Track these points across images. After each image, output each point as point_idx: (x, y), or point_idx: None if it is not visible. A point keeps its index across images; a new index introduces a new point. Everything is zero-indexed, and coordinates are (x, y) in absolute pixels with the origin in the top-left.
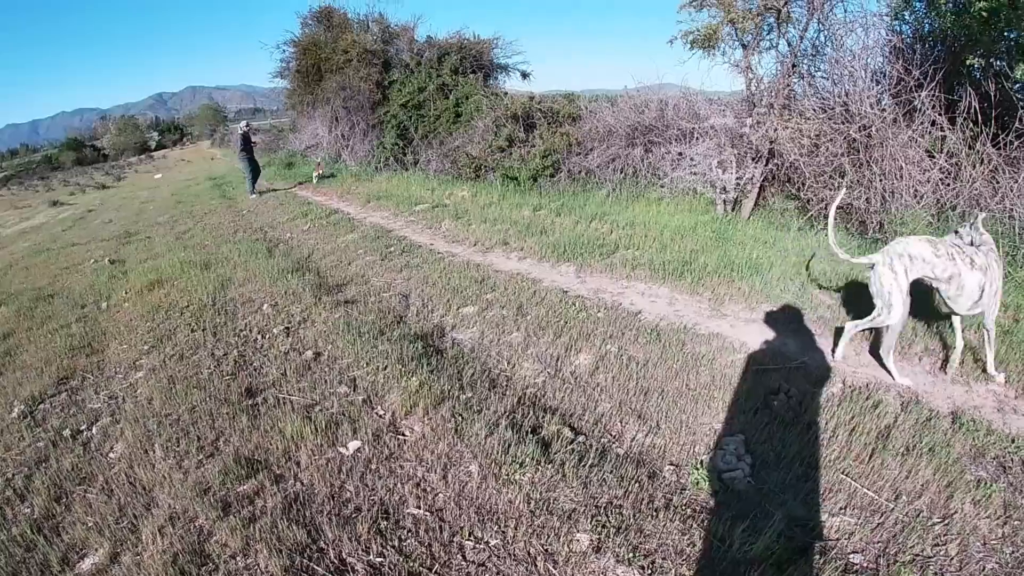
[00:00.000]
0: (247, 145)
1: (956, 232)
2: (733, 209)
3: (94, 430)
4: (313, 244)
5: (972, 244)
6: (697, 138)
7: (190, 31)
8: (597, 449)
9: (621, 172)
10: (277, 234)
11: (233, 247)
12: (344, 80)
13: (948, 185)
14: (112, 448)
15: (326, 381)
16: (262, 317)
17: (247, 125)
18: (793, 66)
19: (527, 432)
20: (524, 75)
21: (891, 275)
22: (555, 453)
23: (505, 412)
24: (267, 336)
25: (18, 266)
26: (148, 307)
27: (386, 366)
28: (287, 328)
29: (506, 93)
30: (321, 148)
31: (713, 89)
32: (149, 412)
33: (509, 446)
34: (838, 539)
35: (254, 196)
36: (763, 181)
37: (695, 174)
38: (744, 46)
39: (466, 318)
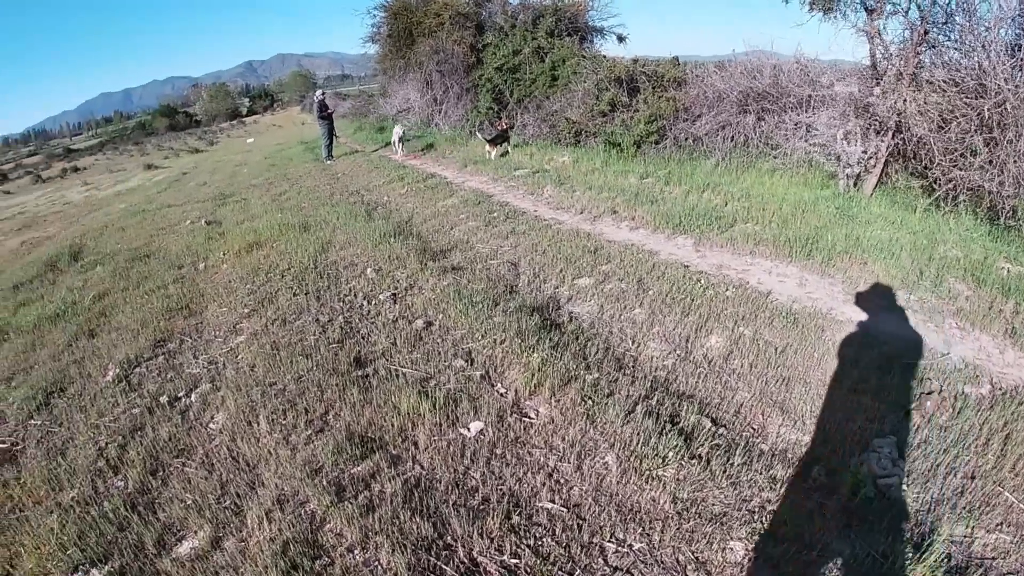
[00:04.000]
0: (323, 112)
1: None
2: (855, 185)
3: (193, 397)
4: (412, 208)
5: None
6: (815, 107)
7: None
8: (741, 444)
9: (731, 140)
10: (374, 197)
11: (331, 210)
12: (437, 43)
13: None
14: (212, 418)
15: (440, 353)
16: (366, 282)
17: (323, 92)
18: (925, 33)
19: (665, 421)
20: (620, 38)
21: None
22: (698, 447)
23: (639, 397)
24: (373, 302)
25: (114, 227)
26: (247, 269)
27: (503, 340)
28: (394, 295)
29: (604, 56)
30: (413, 112)
31: (830, 58)
32: (252, 380)
33: (649, 436)
34: (993, 558)
35: (330, 161)
36: (887, 156)
37: (815, 145)
38: (868, 10)
39: (582, 290)
